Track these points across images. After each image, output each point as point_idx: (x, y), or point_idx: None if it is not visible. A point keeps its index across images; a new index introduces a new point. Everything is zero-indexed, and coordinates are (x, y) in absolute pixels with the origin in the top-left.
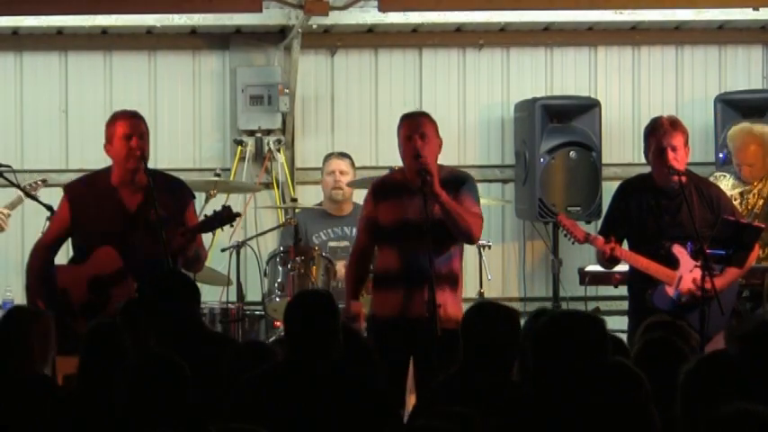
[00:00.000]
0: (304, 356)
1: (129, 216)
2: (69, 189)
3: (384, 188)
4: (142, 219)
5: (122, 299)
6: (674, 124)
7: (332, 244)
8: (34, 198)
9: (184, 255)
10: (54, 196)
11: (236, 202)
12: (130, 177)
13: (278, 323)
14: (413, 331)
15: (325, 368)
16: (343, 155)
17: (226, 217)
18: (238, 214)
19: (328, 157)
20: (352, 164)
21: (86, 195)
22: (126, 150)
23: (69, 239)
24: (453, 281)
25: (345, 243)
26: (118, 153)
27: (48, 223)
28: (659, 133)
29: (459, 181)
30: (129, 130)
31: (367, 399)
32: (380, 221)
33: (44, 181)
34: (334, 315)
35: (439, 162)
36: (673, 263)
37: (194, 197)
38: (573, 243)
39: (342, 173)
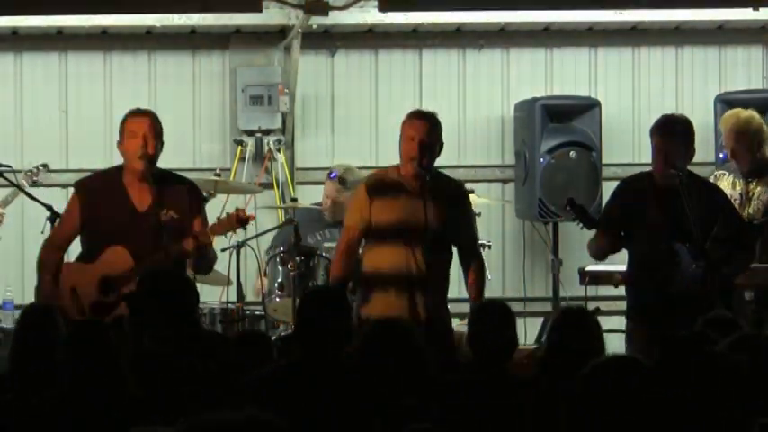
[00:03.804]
0: (315, 352)
1: (138, 215)
2: (80, 186)
3: (379, 185)
4: (152, 218)
5: None
6: (674, 128)
7: (327, 245)
8: (34, 198)
9: (196, 256)
10: (54, 196)
11: (235, 202)
12: (139, 176)
13: (278, 323)
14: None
15: (329, 367)
16: (343, 181)
17: (239, 220)
18: (252, 218)
19: (328, 175)
20: (352, 185)
21: (97, 193)
22: (134, 149)
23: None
24: (443, 285)
25: None
26: (128, 151)
27: (47, 223)
28: (658, 134)
29: (459, 196)
30: (139, 128)
31: (367, 399)
32: (373, 219)
33: (45, 166)
34: (346, 312)
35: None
36: (674, 259)
37: (204, 200)
38: (582, 229)
39: (335, 202)
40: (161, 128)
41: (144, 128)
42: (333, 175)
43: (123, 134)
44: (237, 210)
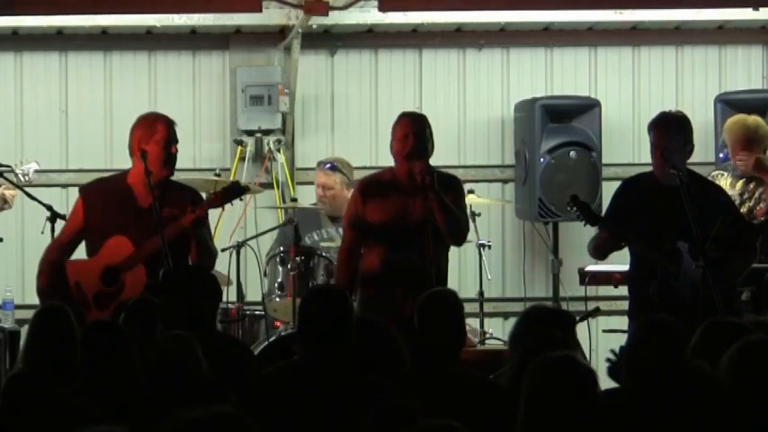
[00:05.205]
0: (317, 351)
1: (141, 212)
2: (84, 190)
3: (372, 186)
4: (154, 215)
5: (136, 287)
6: (671, 124)
7: (324, 244)
8: (35, 198)
9: (196, 240)
10: (54, 196)
11: (235, 202)
12: (160, 179)
13: (278, 323)
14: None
15: (335, 366)
16: (331, 166)
17: (235, 191)
18: (248, 188)
19: (318, 165)
20: (342, 173)
21: (100, 194)
22: (165, 154)
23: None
24: (441, 281)
25: (338, 243)
26: (156, 155)
27: (47, 223)
28: (655, 131)
29: (446, 184)
30: (170, 135)
31: (372, 399)
32: (368, 220)
33: (35, 162)
34: (349, 311)
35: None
36: (677, 258)
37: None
38: (585, 225)
39: (325, 187)
40: None
41: (175, 136)
42: (328, 165)
43: (152, 137)
44: (234, 182)
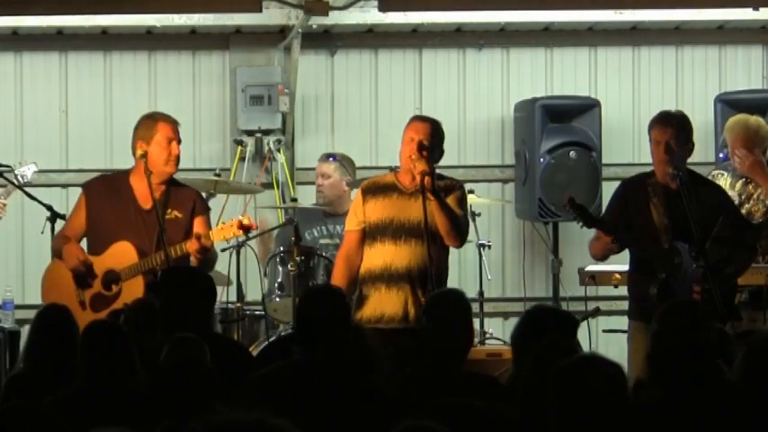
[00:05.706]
0: (314, 351)
1: (142, 213)
2: (87, 188)
3: (373, 187)
4: (155, 217)
5: (131, 296)
6: (670, 121)
7: (323, 241)
8: (35, 198)
9: (198, 257)
10: (54, 196)
11: (235, 202)
12: (163, 179)
13: (278, 323)
14: (394, 330)
15: (334, 367)
16: (332, 157)
17: (241, 227)
18: (254, 226)
19: (320, 158)
20: (341, 164)
21: (103, 192)
22: (167, 153)
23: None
24: (440, 282)
25: (337, 241)
26: (157, 154)
27: (47, 223)
28: (655, 128)
29: (448, 187)
30: (172, 134)
31: (371, 399)
32: (367, 219)
33: (34, 163)
34: (345, 311)
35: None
36: (677, 258)
37: (209, 209)
38: (582, 227)
39: (323, 176)
40: None
41: (177, 134)
42: (331, 158)
43: (153, 136)
44: (241, 217)
